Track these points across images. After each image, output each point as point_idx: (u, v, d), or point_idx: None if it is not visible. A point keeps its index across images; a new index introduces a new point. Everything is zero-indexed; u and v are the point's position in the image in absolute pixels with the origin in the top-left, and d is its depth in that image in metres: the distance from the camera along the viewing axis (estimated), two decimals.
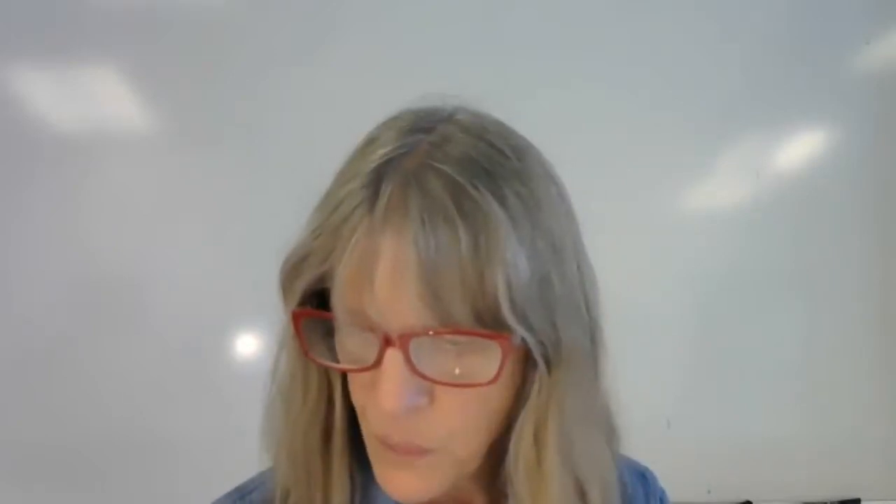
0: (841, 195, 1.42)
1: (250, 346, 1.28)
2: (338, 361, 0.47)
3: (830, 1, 1.43)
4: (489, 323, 0.42)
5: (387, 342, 0.43)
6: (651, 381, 1.18)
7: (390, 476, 0.47)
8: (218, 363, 1.28)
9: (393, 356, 0.43)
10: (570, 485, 0.49)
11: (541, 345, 0.45)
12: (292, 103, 1.28)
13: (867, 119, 1.44)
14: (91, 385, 1.23)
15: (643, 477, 0.62)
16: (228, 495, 0.55)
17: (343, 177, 0.46)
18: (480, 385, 0.44)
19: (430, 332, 0.42)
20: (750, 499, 1.37)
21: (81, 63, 1.27)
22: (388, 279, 0.42)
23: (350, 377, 0.48)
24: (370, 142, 0.46)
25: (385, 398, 0.43)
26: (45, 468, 1.22)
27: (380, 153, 0.44)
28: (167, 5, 1.30)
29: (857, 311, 1.42)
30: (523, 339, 0.44)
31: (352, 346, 0.46)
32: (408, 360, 0.43)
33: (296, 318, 0.46)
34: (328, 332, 0.47)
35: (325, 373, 0.49)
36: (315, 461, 0.50)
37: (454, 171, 0.43)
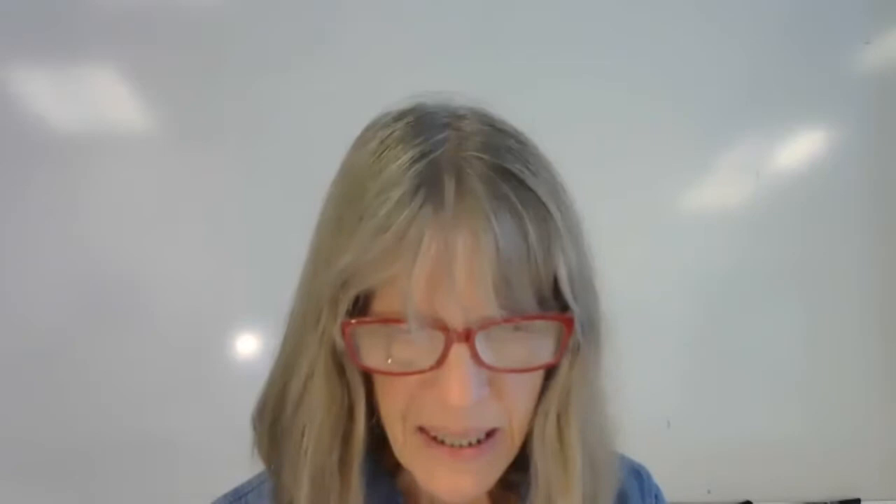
0: (841, 195, 1.42)
1: (250, 345, 1.28)
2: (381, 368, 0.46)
3: (830, 1, 1.43)
4: (549, 306, 0.45)
5: (451, 339, 0.43)
6: (651, 381, 1.17)
7: (439, 474, 0.47)
8: (218, 363, 1.28)
9: (459, 352, 0.43)
10: (587, 463, 0.50)
11: (581, 327, 0.47)
12: (292, 103, 1.28)
13: (867, 119, 1.44)
14: (91, 385, 1.23)
15: (638, 474, 0.62)
16: (224, 497, 0.55)
17: (374, 182, 0.44)
18: (544, 367, 0.46)
19: (501, 322, 0.43)
20: (750, 499, 1.37)
21: (81, 63, 1.27)
22: (467, 273, 0.42)
23: (388, 382, 0.47)
24: (382, 145, 0.46)
25: (455, 394, 0.43)
26: (44, 468, 1.22)
27: (410, 154, 0.44)
28: (167, 5, 1.30)
29: (857, 310, 1.42)
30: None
31: (400, 350, 0.45)
32: (474, 353, 0.43)
33: (346, 328, 0.44)
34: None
35: (348, 388, 0.48)
36: (334, 479, 0.48)
37: (500, 160, 0.45)
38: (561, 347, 0.45)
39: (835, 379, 1.41)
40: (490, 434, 0.47)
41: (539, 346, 0.46)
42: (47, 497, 1.22)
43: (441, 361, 0.43)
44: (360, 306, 0.45)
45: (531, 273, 0.44)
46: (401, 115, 0.47)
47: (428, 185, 0.43)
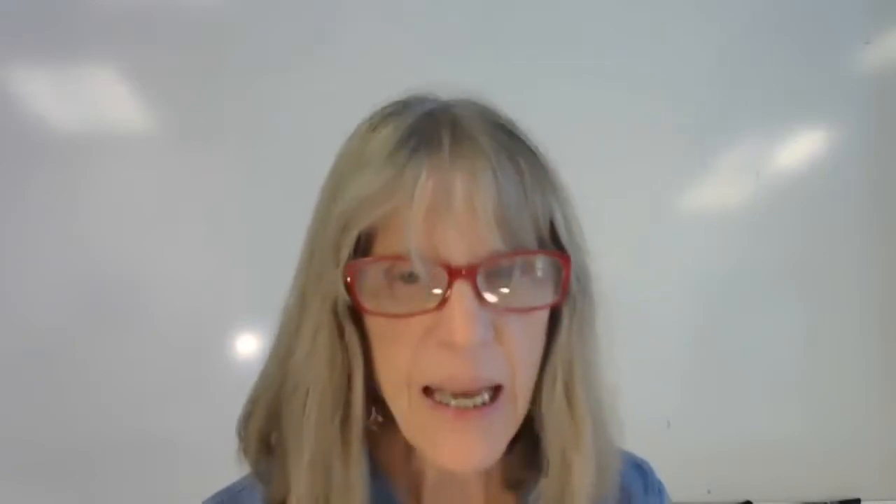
0: (841, 195, 1.42)
1: (250, 345, 1.28)
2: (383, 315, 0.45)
3: (830, 1, 1.43)
4: (548, 247, 0.46)
5: (453, 275, 0.43)
6: (651, 381, 1.17)
7: (445, 440, 0.46)
8: (218, 363, 1.28)
9: (462, 288, 0.43)
10: (596, 421, 0.51)
11: (577, 282, 0.48)
12: (292, 103, 1.28)
13: (867, 119, 1.44)
14: (91, 385, 1.23)
15: (640, 469, 0.62)
16: (217, 495, 0.55)
17: (371, 142, 0.46)
18: (547, 306, 0.46)
19: (503, 257, 0.44)
20: (750, 499, 1.37)
21: (81, 63, 1.27)
22: (467, 208, 0.43)
23: (390, 341, 0.46)
24: (376, 117, 0.48)
25: (459, 331, 0.42)
26: (44, 468, 1.22)
27: (405, 116, 0.47)
28: (167, 5, 1.30)
29: (857, 310, 1.42)
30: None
31: (403, 294, 0.45)
32: (477, 291, 0.43)
33: (351, 270, 0.45)
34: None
35: (348, 355, 0.48)
36: (336, 445, 0.48)
37: (493, 118, 0.48)
38: (562, 287, 0.46)
39: (835, 379, 1.41)
40: (494, 398, 0.46)
41: (539, 289, 0.46)
42: (47, 497, 1.22)
43: (444, 300, 0.43)
44: (363, 251, 0.45)
45: (530, 214, 0.45)
46: (391, 101, 0.50)
47: (424, 132, 0.45)
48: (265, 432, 0.51)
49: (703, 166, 1.42)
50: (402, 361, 0.45)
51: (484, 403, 0.46)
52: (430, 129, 0.46)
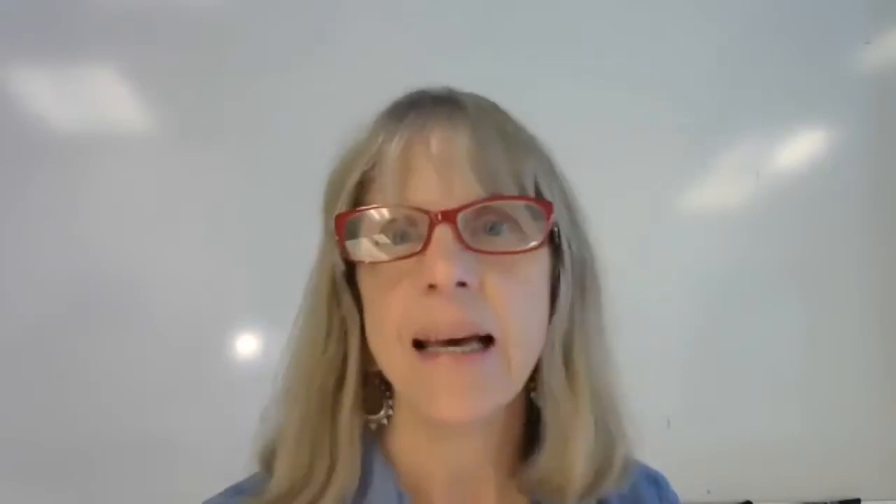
0: (841, 195, 1.42)
1: (250, 345, 1.28)
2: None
3: (830, 1, 1.43)
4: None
5: (434, 220, 0.44)
6: (651, 381, 1.17)
7: (439, 390, 0.45)
8: (217, 363, 1.28)
9: (442, 231, 0.44)
10: (594, 390, 0.50)
11: (568, 247, 0.49)
12: (292, 103, 1.27)
13: (867, 119, 1.44)
14: (91, 385, 1.23)
15: (655, 481, 0.62)
16: (222, 494, 0.55)
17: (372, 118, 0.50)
18: (527, 250, 0.46)
19: (481, 202, 0.44)
20: (750, 499, 1.37)
21: (81, 63, 1.27)
22: (442, 155, 0.45)
23: (381, 296, 0.47)
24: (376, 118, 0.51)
25: (439, 271, 0.42)
26: (44, 468, 1.22)
27: (406, 94, 0.50)
28: (167, 5, 1.30)
29: (857, 310, 1.42)
30: (555, 231, 0.48)
31: (393, 252, 0.46)
32: (457, 234, 0.44)
33: (340, 220, 0.46)
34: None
35: (346, 323, 0.49)
36: (325, 420, 0.49)
37: (490, 102, 0.50)
38: (544, 232, 0.46)
39: (835, 379, 1.40)
40: (485, 348, 0.46)
41: (522, 238, 0.46)
42: (47, 497, 1.22)
43: (426, 244, 0.44)
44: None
45: (512, 167, 0.46)
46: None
47: (413, 101, 0.49)
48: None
49: (703, 166, 1.42)
50: (392, 313, 0.46)
51: (474, 351, 0.45)
52: (418, 97, 0.49)
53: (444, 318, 0.44)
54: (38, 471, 1.22)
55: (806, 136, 1.45)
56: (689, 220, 1.41)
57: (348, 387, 0.49)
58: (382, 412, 0.52)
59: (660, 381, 1.28)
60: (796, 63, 1.42)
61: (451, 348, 0.45)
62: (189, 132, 1.29)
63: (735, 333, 1.39)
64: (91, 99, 1.28)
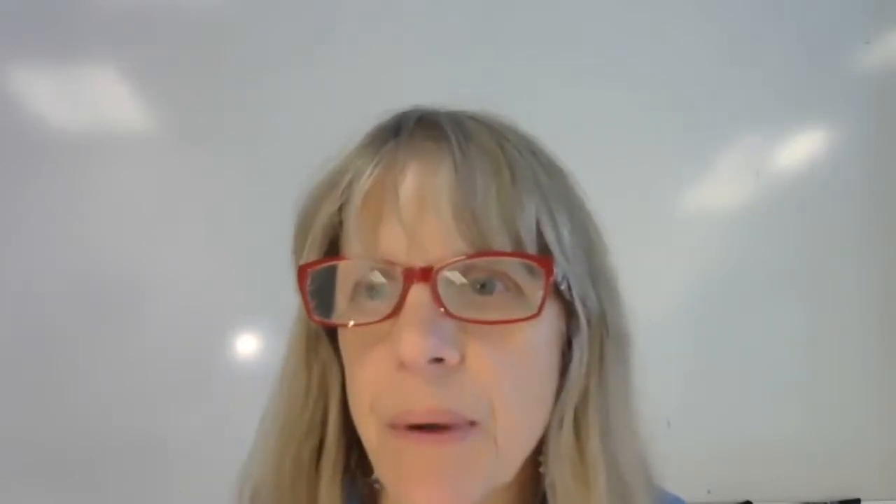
0: (841, 195, 1.42)
1: (250, 346, 1.27)
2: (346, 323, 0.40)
3: (830, 1, 1.43)
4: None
5: (410, 277, 0.36)
6: (651, 381, 1.17)
7: (409, 474, 0.38)
8: (217, 363, 1.28)
9: (418, 293, 0.36)
10: (613, 480, 0.42)
11: (583, 306, 0.41)
12: (292, 103, 1.27)
13: (867, 119, 1.44)
14: (90, 385, 1.23)
15: None
16: None
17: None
18: (520, 320, 0.37)
19: (464, 259, 0.36)
20: (750, 499, 1.36)
21: (81, 63, 1.27)
22: (415, 201, 0.37)
23: (356, 364, 0.40)
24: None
25: (405, 344, 0.35)
26: (44, 468, 1.22)
27: (388, 116, 0.42)
28: (167, 5, 1.30)
29: (857, 310, 1.42)
30: (564, 288, 0.39)
31: (367, 310, 0.39)
32: (435, 295, 0.36)
33: (302, 272, 0.39)
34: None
35: (325, 379, 0.44)
36: (302, 484, 0.43)
37: (485, 117, 0.42)
38: (542, 297, 0.37)
39: (835, 379, 1.40)
40: (470, 427, 0.39)
41: (523, 306, 0.38)
42: (47, 497, 1.22)
43: (398, 307, 0.36)
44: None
45: (504, 210, 0.37)
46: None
47: (389, 126, 0.40)
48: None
49: (702, 166, 1.42)
50: (364, 387, 0.40)
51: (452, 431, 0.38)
52: (401, 120, 0.40)
53: (418, 404, 0.37)
54: (38, 471, 1.22)
55: (806, 135, 1.45)
56: (688, 220, 1.41)
57: (328, 452, 0.43)
58: (374, 475, 0.44)
59: (660, 381, 1.28)
60: (796, 63, 1.42)
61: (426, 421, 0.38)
62: (189, 132, 1.29)
63: (735, 333, 1.39)
64: (91, 99, 1.27)
